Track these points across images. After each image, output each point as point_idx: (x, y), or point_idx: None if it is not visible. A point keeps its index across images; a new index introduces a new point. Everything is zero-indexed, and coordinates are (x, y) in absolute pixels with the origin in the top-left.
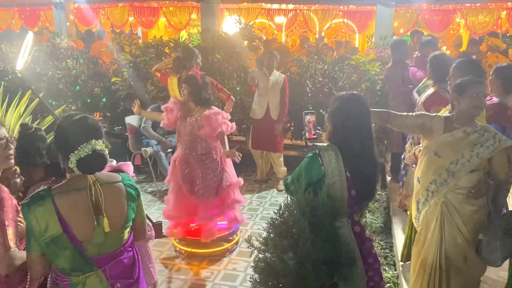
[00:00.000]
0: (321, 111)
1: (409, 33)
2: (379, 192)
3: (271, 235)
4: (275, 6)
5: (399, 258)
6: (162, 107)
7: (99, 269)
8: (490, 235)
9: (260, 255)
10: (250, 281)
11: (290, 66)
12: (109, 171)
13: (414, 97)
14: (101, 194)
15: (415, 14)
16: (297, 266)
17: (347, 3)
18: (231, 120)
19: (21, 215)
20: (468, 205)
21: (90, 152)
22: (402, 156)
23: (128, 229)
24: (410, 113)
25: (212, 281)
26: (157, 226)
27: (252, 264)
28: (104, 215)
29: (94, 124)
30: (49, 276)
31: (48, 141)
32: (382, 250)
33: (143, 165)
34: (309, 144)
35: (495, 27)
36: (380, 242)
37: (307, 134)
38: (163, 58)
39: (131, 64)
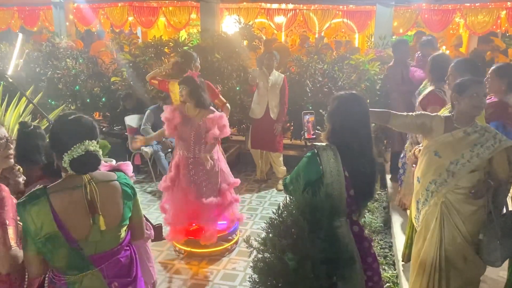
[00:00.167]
0: (320, 110)
1: (409, 33)
2: (378, 192)
3: (270, 235)
4: (275, 5)
5: (400, 258)
6: (162, 116)
7: (96, 268)
8: (490, 235)
9: (259, 255)
10: (249, 281)
11: (290, 65)
12: (108, 171)
13: (415, 98)
14: (96, 193)
15: (414, 14)
16: (296, 266)
17: (346, 3)
18: (230, 120)
19: None
20: (468, 205)
21: (83, 153)
22: (402, 155)
23: (124, 228)
24: (410, 113)
25: (211, 281)
26: (157, 229)
27: (251, 264)
28: (100, 213)
29: (88, 124)
30: (47, 275)
31: (47, 139)
32: (382, 250)
33: (143, 164)
34: (308, 144)
35: (494, 26)
36: (379, 242)
37: (306, 134)
38: (163, 58)
39: (131, 64)
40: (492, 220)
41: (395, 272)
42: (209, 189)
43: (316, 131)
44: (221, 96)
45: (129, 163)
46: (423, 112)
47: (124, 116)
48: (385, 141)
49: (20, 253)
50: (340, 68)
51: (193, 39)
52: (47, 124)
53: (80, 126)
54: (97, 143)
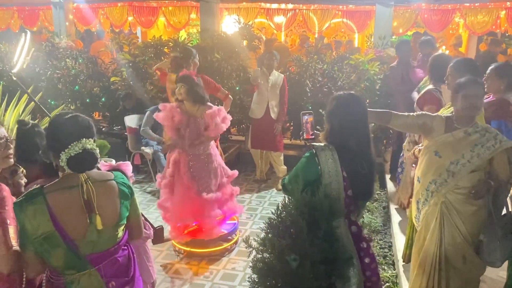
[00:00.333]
0: (320, 110)
1: (408, 33)
2: (378, 192)
3: (269, 235)
4: (275, 5)
5: (399, 258)
6: (159, 117)
7: (94, 267)
8: (490, 235)
9: (259, 256)
10: (249, 281)
11: (290, 65)
12: (107, 170)
13: (414, 96)
14: (93, 192)
15: (414, 14)
16: (295, 265)
17: (346, 3)
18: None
19: None
20: (468, 205)
21: (80, 151)
22: (401, 154)
23: (122, 228)
24: (412, 114)
25: (211, 281)
26: (158, 231)
27: (250, 264)
28: (97, 212)
29: (85, 123)
30: (44, 275)
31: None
32: (381, 250)
33: (142, 164)
34: (307, 144)
35: (494, 26)
36: (379, 242)
37: (304, 134)
38: (162, 58)
39: (130, 64)
40: (492, 221)
41: (394, 272)
42: (210, 185)
43: (315, 131)
44: (222, 88)
45: (128, 163)
46: (424, 112)
47: (123, 116)
48: (384, 141)
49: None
50: (340, 68)
51: (193, 39)
52: (47, 123)
53: (76, 124)
54: (94, 142)
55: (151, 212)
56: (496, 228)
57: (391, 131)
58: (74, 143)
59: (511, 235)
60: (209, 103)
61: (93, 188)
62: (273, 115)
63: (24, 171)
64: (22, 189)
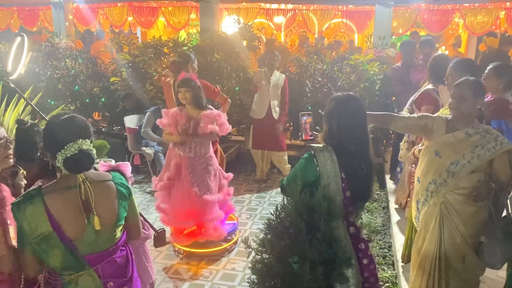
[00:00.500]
0: (320, 111)
1: (408, 33)
2: (377, 192)
3: (268, 236)
4: (274, 6)
5: (399, 258)
6: (161, 123)
7: (91, 268)
8: (491, 237)
9: (258, 256)
10: (248, 282)
11: (289, 66)
12: (107, 171)
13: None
14: (91, 192)
15: (414, 14)
16: (297, 267)
17: (346, 3)
18: (229, 120)
19: None
20: (468, 206)
21: (77, 152)
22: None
23: (120, 228)
24: (413, 115)
25: (211, 281)
26: (160, 234)
27: (250, 264)
28: (95, 213)
29: (81, 123)
30: (42, 275)
31: None
32: (381, 250)
33: (142, 165)
34: (307, 144)
35: (493, 27)
36: (378, 242)
37: (303, 135)
38: (162, 58)
39: (130, 64)
40: (493, 222)
41: (394, 272)
42: (210, 187)
43: (314, 132)
44: (221, 93)
45: (128, 163)
46: (424, 113)
47: (123, 116)
48: (384, 141)
49: None
50: (340, 69)
51: (193, 39)
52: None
53: (73, 125)
54: (91, 143)
55: (151, 212)
56: (497, 230)
57: (390, 131)
58: (70, 143)
59: (511, 237)
60: (210, 106)
61: (91, 188)
62: (275, 115)
63: (24, 172)
64: (22, 190)
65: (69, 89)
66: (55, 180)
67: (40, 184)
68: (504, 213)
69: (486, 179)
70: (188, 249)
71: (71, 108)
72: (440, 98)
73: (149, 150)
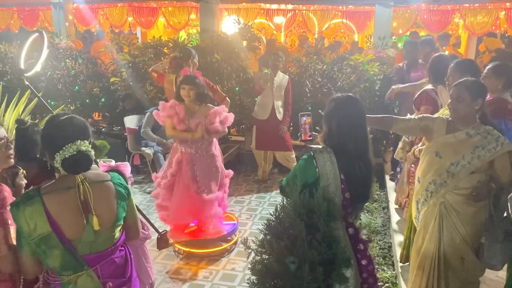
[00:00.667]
0: (320, 111)
1: (408, 33)
2: (378, 192)
3: (268, 237)
4: (274, 6)
5: (399, 259)
6: (160, 115)
7: (90, 268)
8: (491, 238)
9: (257, 257)
10: (248, 283)
11: (289, 66)
12: (106, 171)
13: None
14: (89, 193)
15: (413, 15)
16: (294, 267)
17: (346, 4)
18: None
19: None
20: (468, 206)
21: (75, 152)
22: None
23: (119, 228)
24: (413, 117)
25: (210, 281)
26: (164, 235)
27: (250, 265)
28: (93, 213)
29: (80, 124)
30: (41, 276)
31: None
32: (381, 250)
33: (142, 165)
34: (307, 145)
35: (493, 27)
36: (378, 242)
37: (303, 135)
38: (162, 58)
39: (130, 65)
40: (493, 223)
41: (394, 272)
42: (211, 185)
43: (313, 132)
44: (219, 91)
45: (127, 163)
46: (425, 114)
47: (123, 116)
48: (384, 142)
49: None
50: (340, 69)
51: (193, 39)
52: None
53: (71, 126)
54: (89, 144)
55: (151, 212)
56: (497, 231)
57: (390, 131)
58: (69, 144)
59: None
60: (209, 104)
61: (89, 189)
62: (278, 116)
63: (24, 172)
64: (23, 190)
65: (69, 89)
66: (53, 181)
67: (44, 183)
68: (505, 214)
69: (487, 179)
70: (188, 249)
71: (71, 108)
72: (439, 98)
73: (148, 151)
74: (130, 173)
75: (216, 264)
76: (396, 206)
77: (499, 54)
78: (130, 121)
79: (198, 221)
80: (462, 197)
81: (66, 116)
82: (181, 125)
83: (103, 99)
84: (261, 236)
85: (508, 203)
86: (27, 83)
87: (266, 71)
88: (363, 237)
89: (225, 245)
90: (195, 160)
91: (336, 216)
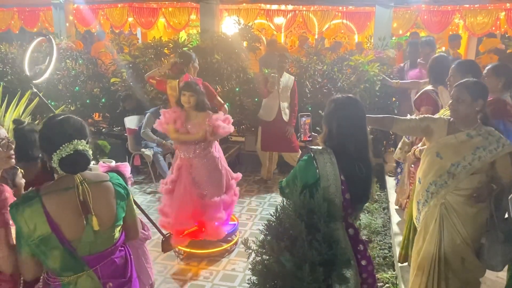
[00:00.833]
0: (320, 111)
1: (408, 34)
2: (378, 193)
3: (268, 237)
4: (274, 7)
5: (397, 259)
6: (159, 124)
7: (90, 268)
8: (492, 239)
9: (258, 258)
10: (248, 283)
11: (290, 66)
12: (105, 172)
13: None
14: (88, 193)
15: (414, 15)
16: (294, 268)
17: (346, 4)
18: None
19: None
20: (468, 207)
21: (72, 152)
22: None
23: (118, 228)
24: (414, 117)
25: (211, 282)
26: (168, 238)
27: (250, 265)
28: (93, 213)
29: (77, 124)
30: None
31: None
32: (381, 251)
33: (142, 165)
34: (307, 145)
35: (493, 28)
36: (379, 243)
37: (302, 136)
38: (162, 59)
39: (130, 65)
40: (494, 224)
41: (394, 273)
42: (212, 189)
43: (313, 133)
44: (218, 98)
45: (127, 164)
46: (426, 115)
47: (123, 117)
48: (384, 142)
49: None
50: (340, 69)
51: (193, 40)
52: None
53: (68, 126)
54: (87, 143)
55: (151, 213)
56: (498, 232)
57: (391, 131)
58: (65, 144)
59: None
60: (209, 112)
61: (88, 189)
62: (284, 117)
63: (22, 171)
64: (23, 190)
65: (70, 90)
66: (52, 181)
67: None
68: (506, 215)
69: (487, 180)
70: (188, 249)
71: (72, 108)
72: (440, 99)
73: (148, 152)
74: (130, 173)
75: (216, 264)
76: (397, 207)
77: (499, 54)
78: (130, 122)
79: (199, 222)
80: (462, 198)
81: (62, 116)
82: (182, 130)
83: (103, 100)
84: (261, 237)
85: (509, 204)
86: (35, 90)
87: (268, 71)
88: (363, 237)
89: (225, 246)
90: (194, 164)
91: (336, 216)
